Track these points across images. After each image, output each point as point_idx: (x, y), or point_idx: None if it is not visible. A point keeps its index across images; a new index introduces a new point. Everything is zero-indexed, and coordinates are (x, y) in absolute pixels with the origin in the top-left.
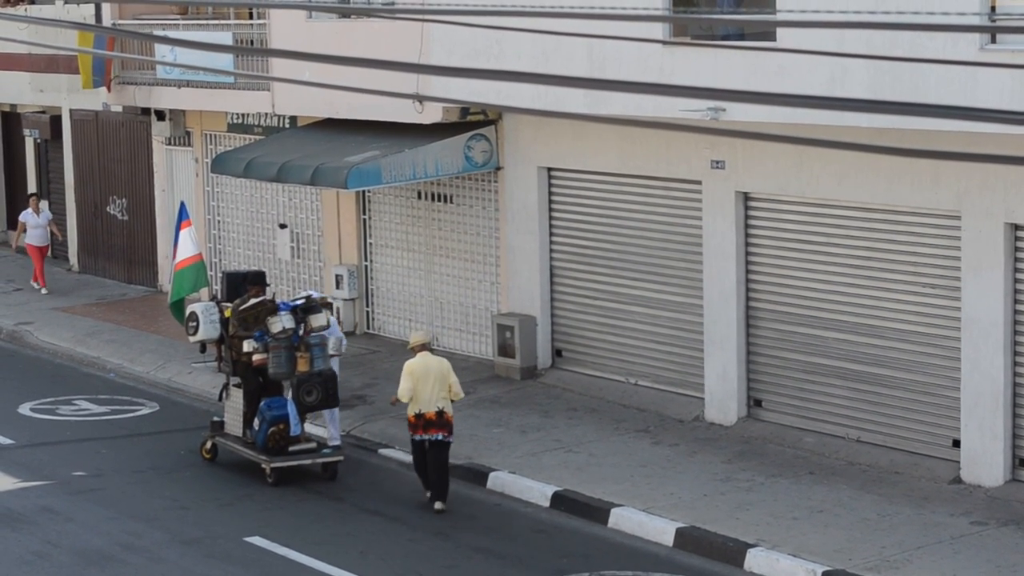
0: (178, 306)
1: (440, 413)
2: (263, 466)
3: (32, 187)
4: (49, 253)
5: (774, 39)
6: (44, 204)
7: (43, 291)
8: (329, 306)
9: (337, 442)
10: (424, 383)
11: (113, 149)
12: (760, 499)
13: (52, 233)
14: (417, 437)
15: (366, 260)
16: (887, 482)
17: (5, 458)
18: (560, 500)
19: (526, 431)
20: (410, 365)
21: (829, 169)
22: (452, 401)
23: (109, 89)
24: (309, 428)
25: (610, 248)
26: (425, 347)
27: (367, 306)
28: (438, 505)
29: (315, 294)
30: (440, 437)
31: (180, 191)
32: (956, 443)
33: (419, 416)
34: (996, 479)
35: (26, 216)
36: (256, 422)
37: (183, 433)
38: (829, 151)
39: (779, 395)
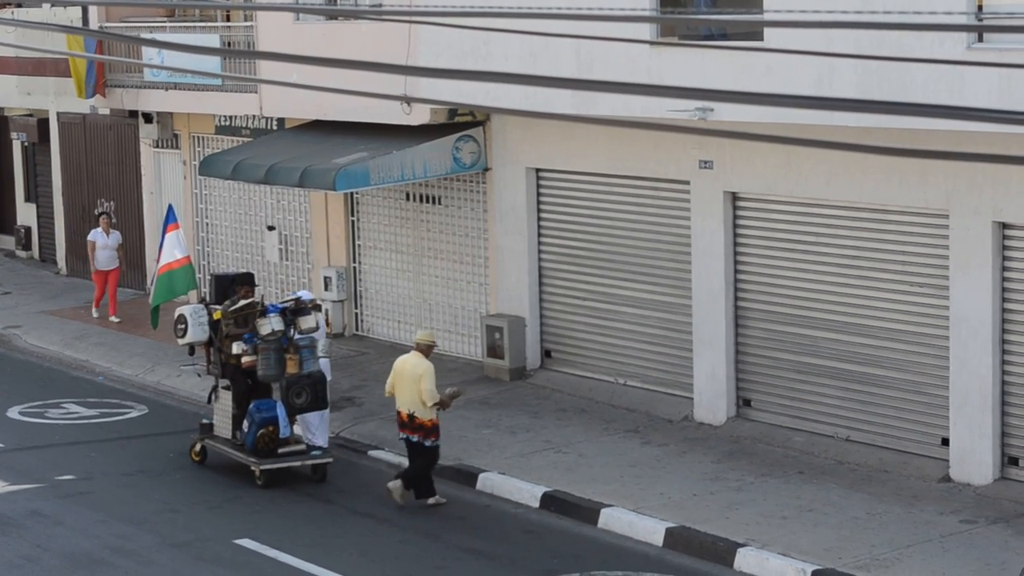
0: (159, 310)
1: (411, 416)
2: (252, 468)
3: (20, 190)
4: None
5: (761, 39)
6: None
7: (94, 313)
8: (319, 307)
9: (325, 445)
10: (399, 383)
11: (101, 152)
12: (750, 498)
13: (119, 258)
14: (399, 435)
15: (355, 262)
16: (876, 481)
17: None
18: (550, 501)
19: (515, 432)
20: (396, 361)
21: (817, 169)
22: (427, 405)
23: (104, 95)
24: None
25: (599, 248)
26: (420, 347)
27: (356, 308)
28: (391, 484)
29: (305, 295)
30: (414, 439)
31: (168, 194)
32: (945, 441)
33: (398, 413)
34: (985, 477)
35: (95, 236)
36: (245, 424)
37: (172, 436)
38: (817, 151)
39: (768, 394)
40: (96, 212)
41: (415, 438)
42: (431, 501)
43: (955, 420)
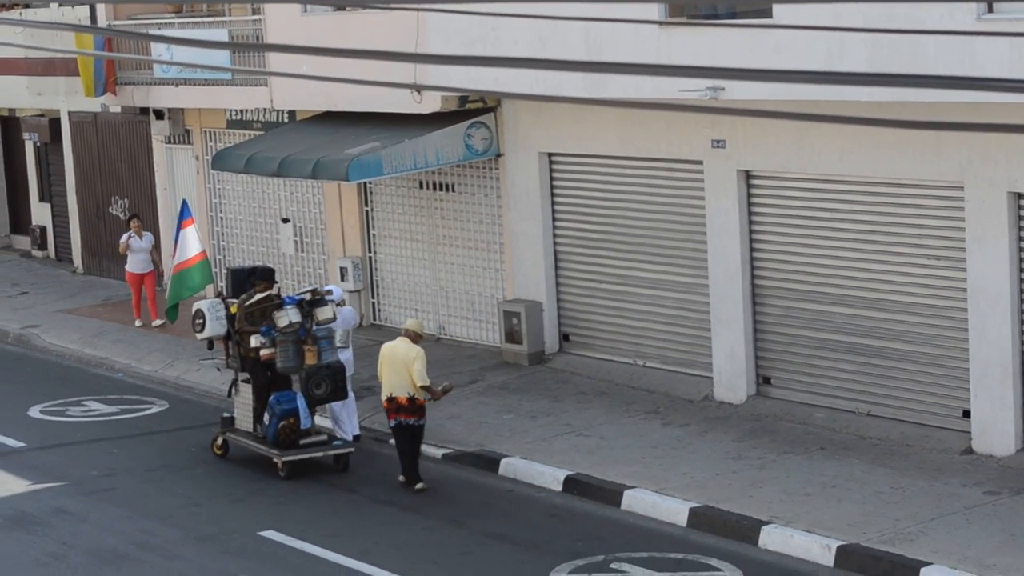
0: (177, 306)
1: (411, 399)
2: (275, 460)
3: (34, 190)
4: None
5: (771, 16)
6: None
7: (137, 322)
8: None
9: (356, 432)
10: (390, 368)
11: (113, 150)
12: (772, 476)
13: (153, 261)
14: (391, 421)
15: (370, 252)
16: (899, 455)
17: (17, 461)
18: (573, 484)
19: (536, 416)
20: (384, 348)
21: (831, 145)
22: (417, 386)
23: (115, 93)
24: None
25: (614, 231)
26: (409, 334)
27: (372, 297)
28: (419, 485)
29: (336, 291)
30: (411, 422)
31: (182, 189)
32: (966, 414)
33: (391, 400)
34: (1007, 448)
35: (128, 239)
36: (266, 417)
37: (193, 430)
38: (830, 127)
39: (788, 372)
40: (126, 216)
41: (412, 420)
42: (413, 483)
43: (976, 392)
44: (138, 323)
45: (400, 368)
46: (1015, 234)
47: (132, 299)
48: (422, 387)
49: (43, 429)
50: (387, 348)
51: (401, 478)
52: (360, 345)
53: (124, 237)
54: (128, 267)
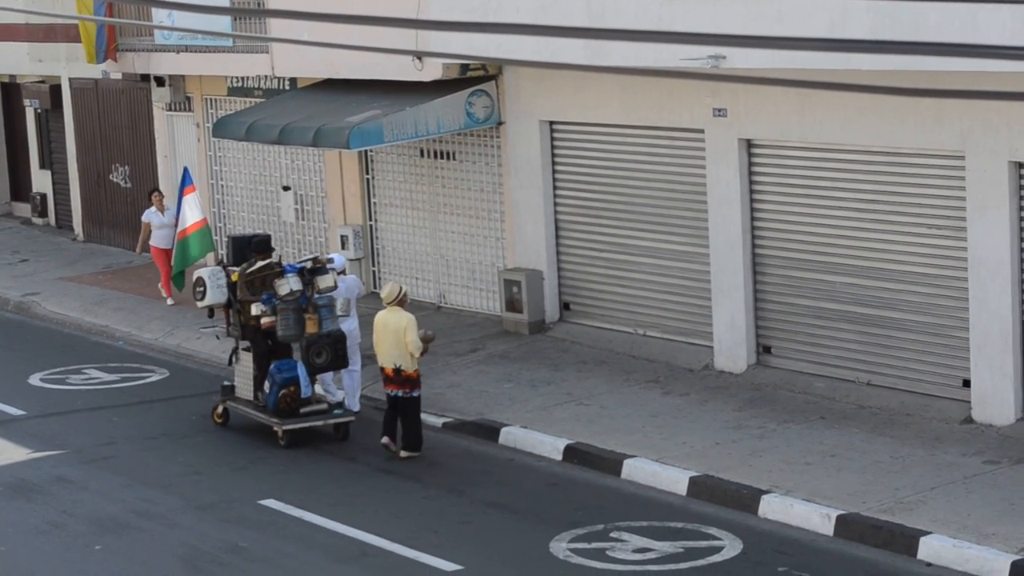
0: (183, 274)
1: (397, 370)
2: (275, 429)
3: (34, 157)
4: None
5: None
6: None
7: (169, 301)
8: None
9: (356, 408)
10: (383, 338)
11: (114, 117)
12: (772, 445)
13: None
14: (384, 390)
15: (371, 220)
16: (899, 424)
17: (17, 429)
18: (573, 453)
19: (536, 385)
20: (376, 319)
21: (832, 114)
22: (414, 356)
23: (116, 59)
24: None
25: (615, 199)
26: (394, 302)
27: (373, 265)
28: (403, 453)
29: (338, 258)
30: (400, 394)
31: (182, 157)
32: (966, 383)
33: (382, 370)
34: (1007, 418)
35: (150, 215)
36: (266, 385)
37: (194, 399)
38: (832, 96)
39: (788, 341)
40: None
41: (400, 392)
42: (407, 454)
43: (976, 361)
44: (169, 301)
45: (392, 337)
46: (1016, 204)
47: (161, 276)
48: (420, 355)
49: (43, 397)
50: (379, 318)
51: (388, 443)
52: (361, 314)
53: (145, 215)
54: (152, 242)
